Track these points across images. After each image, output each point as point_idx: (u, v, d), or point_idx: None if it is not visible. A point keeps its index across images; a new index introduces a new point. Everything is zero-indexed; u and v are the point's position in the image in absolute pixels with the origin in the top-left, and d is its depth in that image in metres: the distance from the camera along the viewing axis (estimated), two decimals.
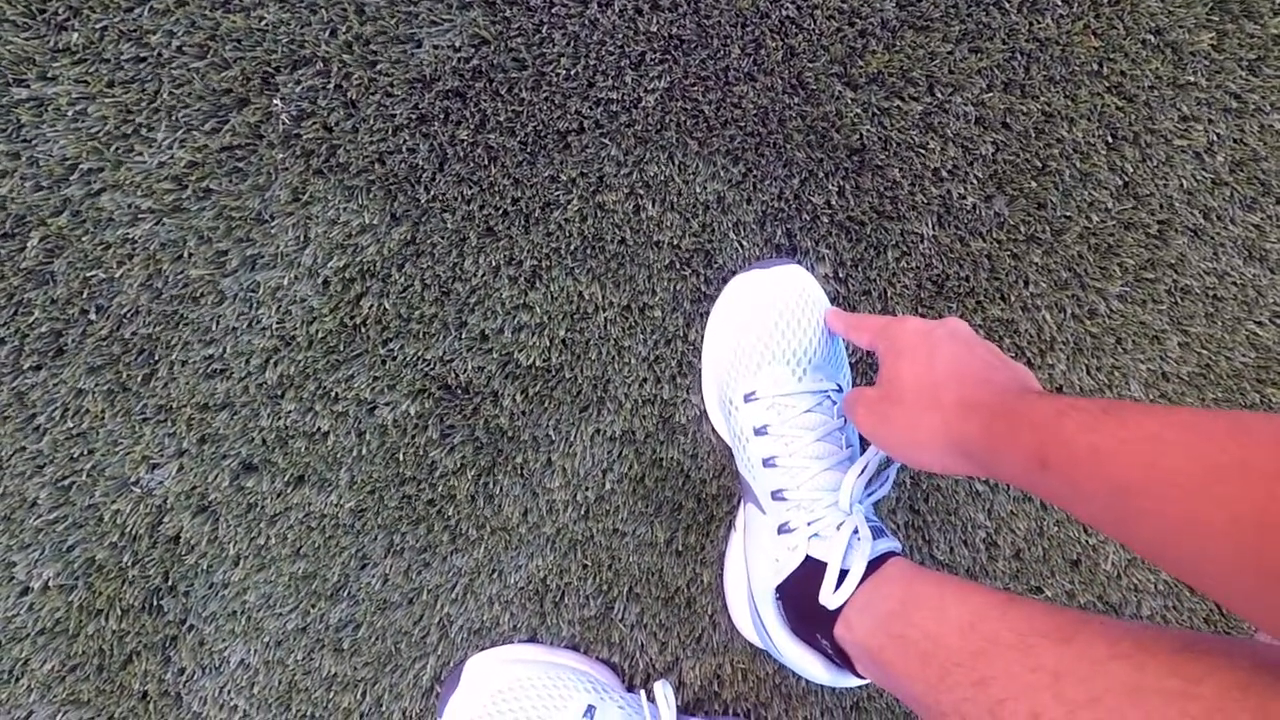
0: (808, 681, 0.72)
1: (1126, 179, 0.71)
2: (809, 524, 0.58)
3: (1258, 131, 0.71)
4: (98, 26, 0.59)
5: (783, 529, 0.59)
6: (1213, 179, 0.72)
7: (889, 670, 0.49)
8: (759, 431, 0.62)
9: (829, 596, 0.54)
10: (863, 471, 0.58)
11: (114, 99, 0.59)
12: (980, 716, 0.41)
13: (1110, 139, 0.70)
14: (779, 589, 0.59)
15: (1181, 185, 0.71)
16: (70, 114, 0.59)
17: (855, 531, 0.56)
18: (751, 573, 0.63)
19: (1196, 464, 0.32)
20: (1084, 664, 0.38)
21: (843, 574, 0.54)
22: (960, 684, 0.43)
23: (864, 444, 0.70)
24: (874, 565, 0.55)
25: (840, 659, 0.55)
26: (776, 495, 0.60)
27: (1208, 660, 0.34)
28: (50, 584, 0.63)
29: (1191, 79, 0.70)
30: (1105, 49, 0.69)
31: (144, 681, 0.65)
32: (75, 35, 0.59)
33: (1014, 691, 0.40)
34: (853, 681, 0.58)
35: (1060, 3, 0.68)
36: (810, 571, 0.57)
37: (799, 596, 0.57)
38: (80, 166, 0.59)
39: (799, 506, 0.59)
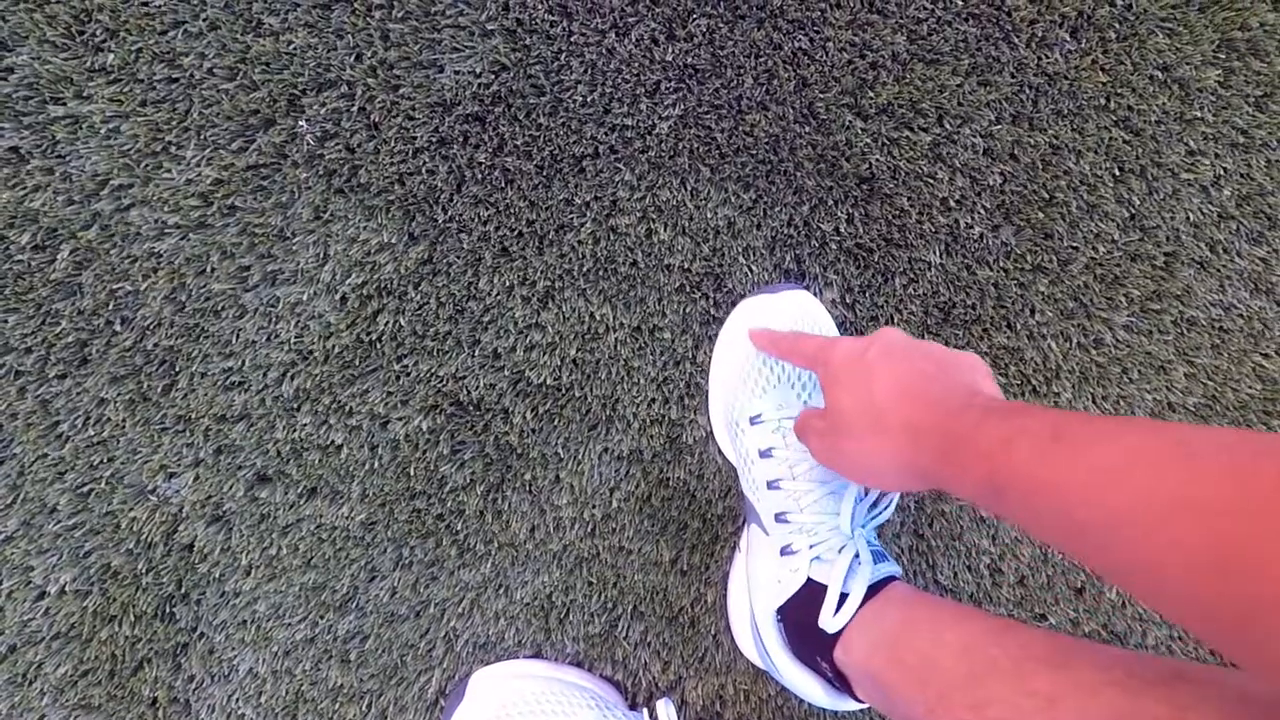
0: (809, 705, 0.72)
1: (1133, 211, 0.72)
2: (811, 547, 0.59)
3: (1264, 166, 0.72)
4: (133, 48, 0.61)
5: (785, 551, 0.59)
6: (1219, 212, 0.73)
7: (888, 693, 0.49)
8: (764, 454, 0.62)
9: (829, 620, 0.54)
10: (863, 496, 0.59)
11: (146, 118, 0.61)
12: None
13: (1117, 172, 0.71)
14: (780, 610, 0.60)
15: (1188, 218, 0.72)
16: (103, 131, 0.61)
17: (856, 556, 0.57)
18: (754, 594, 0.63)
19: (1148, 502, 0.31)
20: (1077, 690, 0.39)
21: (843, 597, 0.55)
22: (957, 707, 0.43)
23: None
24: (875, 589, 0.55)
25: (839, 682, 0.56)
26: (780, 518, 0.61)
27: (1197, 690, 0.35)
28: (67, 589, 0.64)
29: (1198, 114, 0.71)
30: (1113, 84, 0.70)
31: (154, 688, 0.66)
32: (111, 56, 0.61)
33: (1009, 715, 0.41)
34: (851, 705, 0.58)
35: (1069, 38, 0.69)
36: (811, 594, 0.57)
37: (800, 618, 0.58)
38: (111, 182, 0.61)
39: (801, 529, 0.59)
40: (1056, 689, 0.39)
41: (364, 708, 0.68)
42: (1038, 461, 0.36)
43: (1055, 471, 0.35)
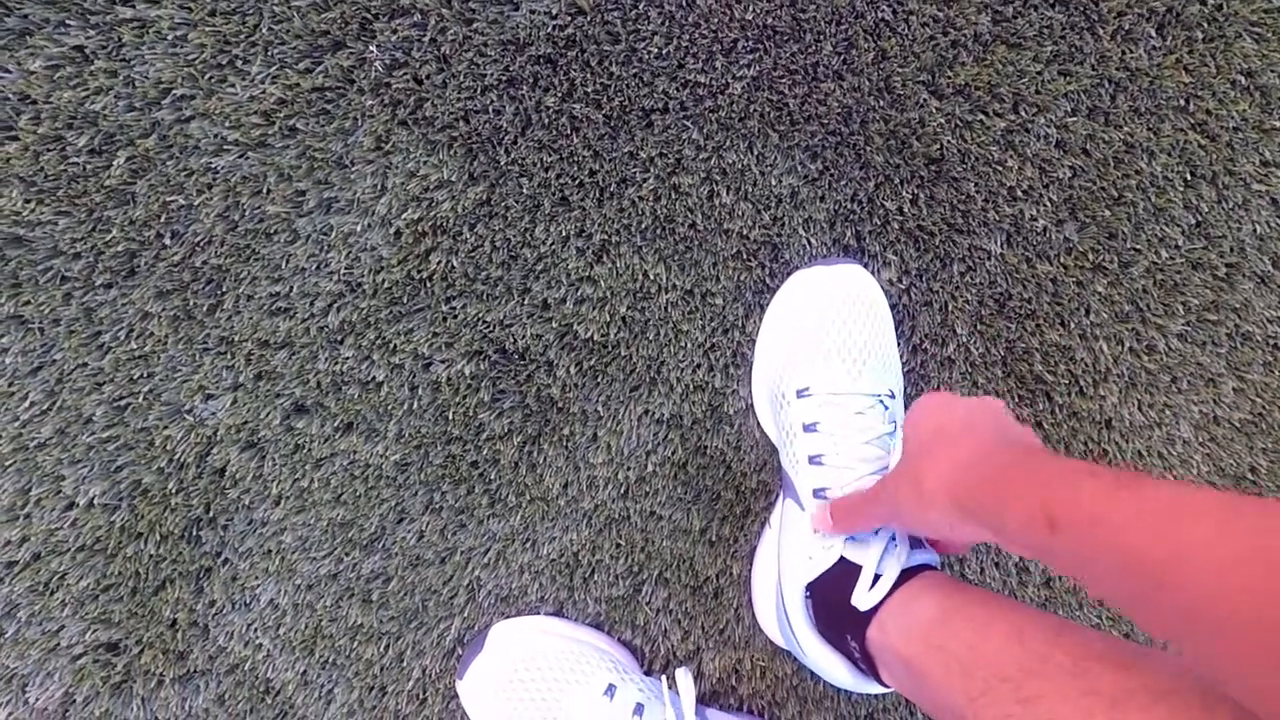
0: (825, 685, 0.72)
1: (1200, 218, 0.71)
2: None
3: None
4: None
5: None
6: None
7: (924, 680, 0.48)
8: (808, 428, 0.61)
9: (862, 596, 0.53)
10: None
11: (214, 28, 0.60)
12: None
13: (1189, 176, 0.70)
14: (809, 586, 0.59)
15: (1255, 230, 0.71)
16: (170, 38, 0.59)
17: (893, 538, 0.56)
18: (783, 568, 0.63)
19: (1219, 544, 0.30)
20: (1145, 694, 0.37)
21: (875, 578, 0.54)
22: (1004, 699, 0.42)
23: None
24: (908, 575, 0.54)
25: (865, 664, 0.55)
26: (819, 493, 0.60)
27: None
28: (95, 502, 0.63)
29: (1277, 124, 0.70)
30: (1194, 85, 0.69)
31: (175, 609, 0.65)
32: None
33: (1065, 713, 0.39)
34: (875, 688, 0.58)
35: (1154, 34, 0.68)
36: (844, 572, 0.56)
37: (829, 596, 0.57)
38: (174, 91, 0.60)
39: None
40: (1121, 691, 0.38)
41: (382, 648, 0.68)
42: (1101, 498, 0.35)
43: (1119, 508, 0.34)
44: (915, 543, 0.57)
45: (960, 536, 0.46)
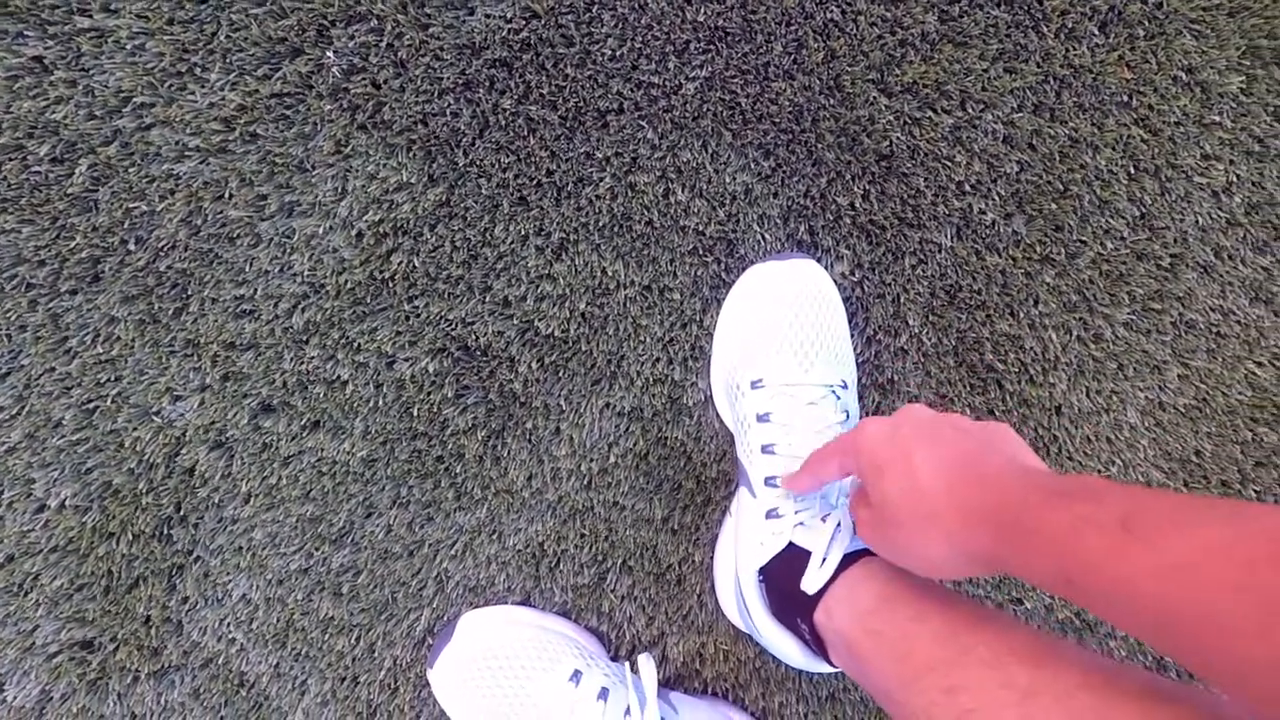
0: (786, 668, 0.74)
1: (1144, 210, 0.73)
2: (796, 512, 0.60)
3: (1276, 176, 0.73)
4: None
5: (771, 514, 0.61)
6: (1228, 219, 0.73)
7: (863, 664, 0.51)
8: (761, 418, 0.63)
9: (809, 580, 0.56)
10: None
11: (172, 37, 0.61)
12: None
13: (1132, 170, 0.72)
14: (762, 570, 0.61)
15: (1197, 222, 0.73)
16: (129, 47, 0.60)
17: (839, 525, 0.58)
18: (739, 553, 0.65)
19: (1244, 604, 0.29)
20: (1053, 688, 0.40)
21: (823, 563, 0.56)
22: (931, 688, 0.44)
23: None
24: (851, 560, 0.57)
25: (816, 645, 0.57)
26: (769, 481, 0.62)
27: (1172, 707, 0.36)
28: (67, 503, 0.65)
29: (1217, 119, 0.72)
30: (1137, 81, 0.71)
31: (148, 606, 0.67)
32: None
33: (982, 703, 0.41)
34: (825, 668, 0.60)
35: (1097, 32, 0.70)
36: (793, 557, 0.59)
37: (780, 580, 0.59)
38: (134, 100, 0.61)
39: (789, 495, 0.61)
40: (1033, 685, 0.40)
41: (353, 640, 0.69)
42: (1111, 554, 0.34)
43: (1132, 566, 0.33)
44: None
45: (976, 575, 0.44)
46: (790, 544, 0.59)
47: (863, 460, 0.48)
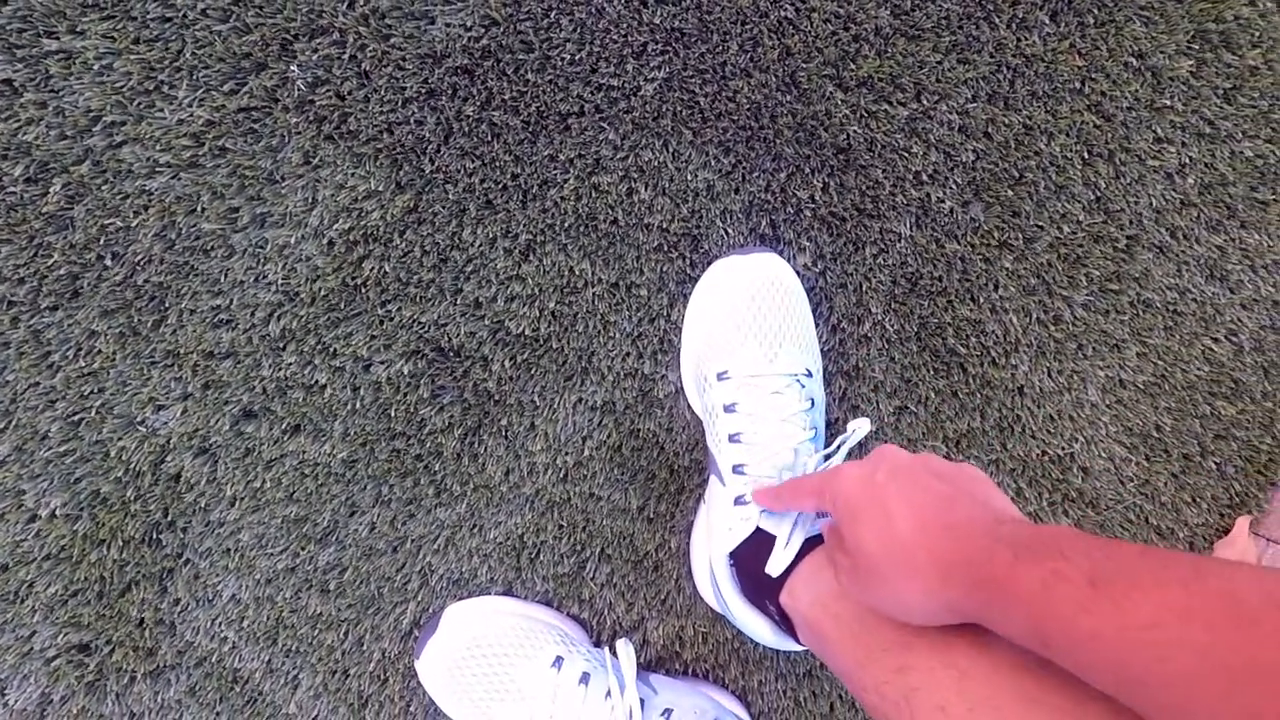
0: (763, 648, 0.77)
1: (1099, 194, 0.74)
2: None
3: (1228, 157, 0.75)
4: None
5: (738, 501, 0.63)
6: (1181, 200, 0.75)
7: (825, 643, 0.54)
8: (728, 409, 0.66)
9: (774, 563, 0.58)
10: (821, 460, 0.62)
11: (139, 55, 0.62)
12: (896, 699, 0.46)
13: (1086, 155, 0.74)
14: (732, 555, 0.64)
15: (1151, 204, 0.75)
16: (97, 68, 0.62)
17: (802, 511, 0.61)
18: (711, 538, 0.67)
19: (1209, 666, 0.30)
20: (990, 669, 0.43)
21: (785, 546, 0.59)
22: (883, 668, 0.47)
23: (829, 430, 0.74)
24: (816, 542, 0.59)
25: (785, 625, 0.60)
26: (737, 469, 0.64)
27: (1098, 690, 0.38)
28: (57, 513, 0.67)
29: (1168, 103, 0.73)
30: (1088, 68, 0.72)
31: (141, 609, 0.69)
32: None
33: (926, 683, 0.45)
34: (794, 646, 0.63)
35: (1048, 21, 0.71)
36: (760, 541, 0.61)
37: (749, 564, 0.62)
38: (104, 119, 0.62)
39: (756, 482, 0.63)
40: (973, 665, 0.43)
41: (341, 635, 0.72)
42: (1079, 612, 0.35)
43: (1099, 623, 0.34)
44: (823, 514, 0.62)
45: (953, 621, 0.44)
46: (758, 529, 0.61)
47: (839, 506, 0.48)
